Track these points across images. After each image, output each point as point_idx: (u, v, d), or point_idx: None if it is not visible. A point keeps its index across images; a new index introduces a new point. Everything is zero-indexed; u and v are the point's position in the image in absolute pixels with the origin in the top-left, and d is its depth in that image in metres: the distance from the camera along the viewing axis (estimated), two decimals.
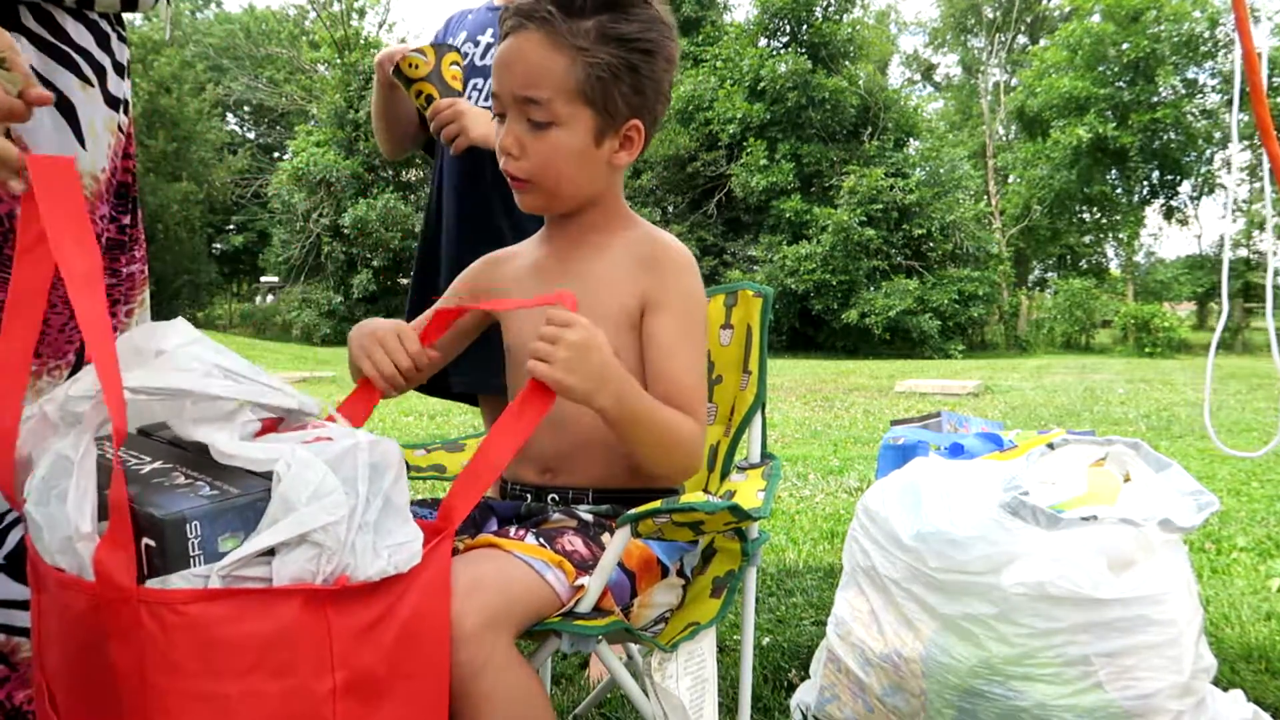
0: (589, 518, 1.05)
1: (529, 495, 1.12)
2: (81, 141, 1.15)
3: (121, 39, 1.27)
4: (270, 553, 0.69)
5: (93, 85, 1.17)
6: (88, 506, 0.69)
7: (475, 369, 1.75)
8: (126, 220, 1.34)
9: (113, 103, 1.21)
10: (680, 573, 1.10)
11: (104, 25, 1.21)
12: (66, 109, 1.11)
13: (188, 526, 0.67)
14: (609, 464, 1.08)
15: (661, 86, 1.06)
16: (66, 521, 0.69)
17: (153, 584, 0.66)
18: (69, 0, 1.11)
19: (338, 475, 0.71)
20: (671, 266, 1.09)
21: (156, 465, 0.77)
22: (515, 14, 1.01)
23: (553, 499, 1.09)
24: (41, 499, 0.71)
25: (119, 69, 1.25)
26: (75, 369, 1.28)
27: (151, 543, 0.67)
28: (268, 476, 0.72)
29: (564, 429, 1.07)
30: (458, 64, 1.65)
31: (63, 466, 0.71)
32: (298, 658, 0.69)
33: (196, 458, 0.78)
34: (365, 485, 0.73)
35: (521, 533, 0.98)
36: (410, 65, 1.61)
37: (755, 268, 19.61)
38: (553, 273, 1.14)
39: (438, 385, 1.85)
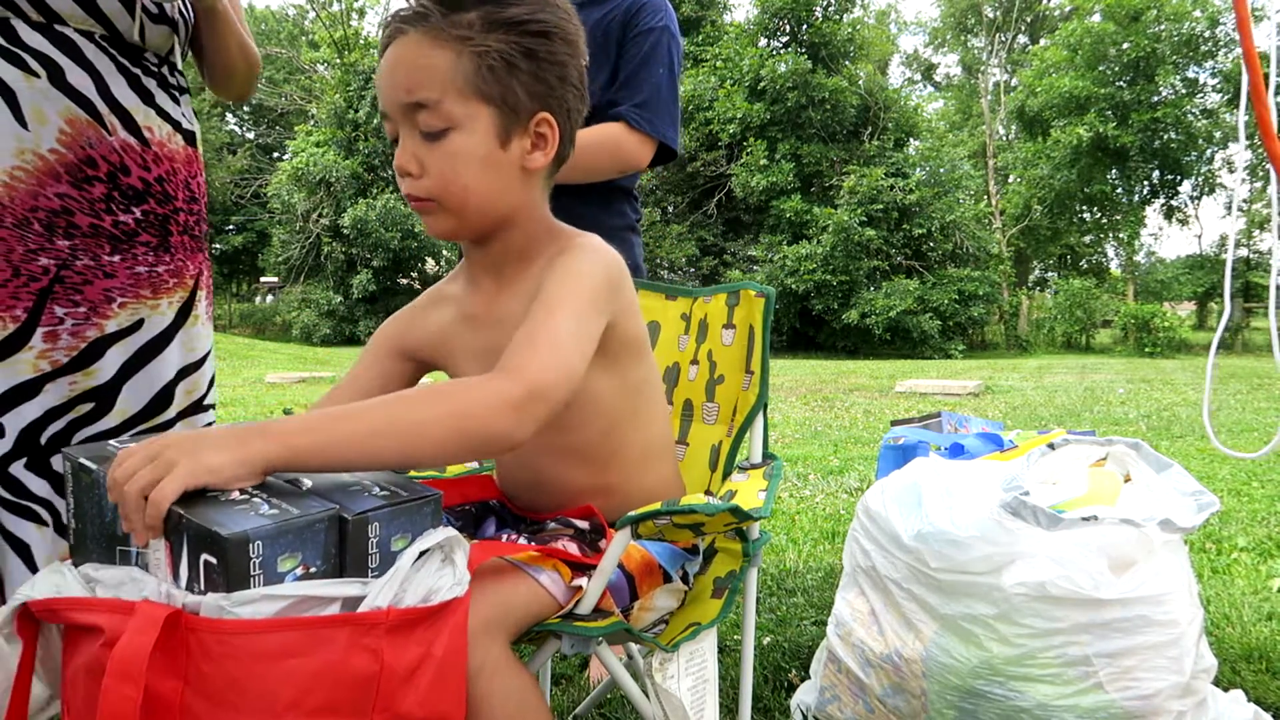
0: (585, 525, 1.05)
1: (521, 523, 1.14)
2: (23, 124, 1.37)
3: (147, 68, 1.49)
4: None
5: (39, 77, 1.37)
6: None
7: None
8: (125, 218, 1.46)
9: (76, 97, 1.41)
10: (684, 579, 1.10)
11: (80, 40, 1.41)
12: (8, 95, 1.35)
13: (250, 546, 0.65)
14: (577, 497, 1.07)
15: (567, 72, 0.96)
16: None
17: (213, 599, 0.65)
18: (35, 15, 1.35)
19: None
20: (566, 254, 0.96)
21: None
22: (391, 21, 0.93)
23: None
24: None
25: (137, 85, 1.48)
26: (28, 325, 1.46)
27: (212, 560, 0.65)
28: (325, 496, 0.73)
29: (523, 468, 1.09)
30: None
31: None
32: (344, 698, 0.67)
33: None
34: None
35: (515, 538, 0.98)
36: None
37: (755, 268, 19.60)
38: (481, 321, 1.04)
39: None
